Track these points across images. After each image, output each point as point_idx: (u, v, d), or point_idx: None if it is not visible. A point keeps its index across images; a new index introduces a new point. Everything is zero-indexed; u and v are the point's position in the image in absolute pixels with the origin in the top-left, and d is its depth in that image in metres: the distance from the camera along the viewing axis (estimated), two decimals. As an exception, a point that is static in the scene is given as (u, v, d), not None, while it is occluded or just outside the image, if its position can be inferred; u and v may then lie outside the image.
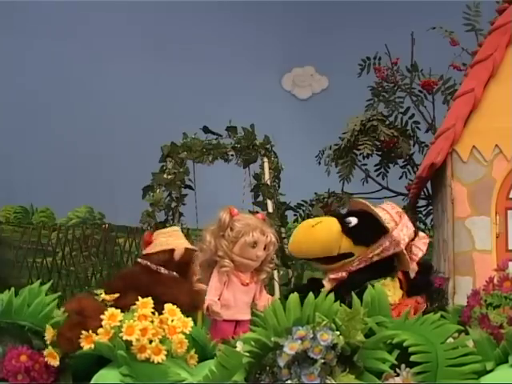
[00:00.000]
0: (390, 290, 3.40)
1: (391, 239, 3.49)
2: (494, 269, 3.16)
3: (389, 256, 3.53)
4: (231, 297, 3.59)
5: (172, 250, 3.60)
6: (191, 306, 3.42)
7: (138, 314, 2.98)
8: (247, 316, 3.57)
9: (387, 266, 3.55)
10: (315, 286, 3.46)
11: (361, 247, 3.52)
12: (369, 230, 3.52)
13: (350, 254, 3.51)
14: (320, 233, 3.52)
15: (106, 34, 7.93)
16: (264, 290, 3.70)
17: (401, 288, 3.55)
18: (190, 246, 3.65)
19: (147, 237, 3.70)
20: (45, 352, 3.10)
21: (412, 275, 3.56)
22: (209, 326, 3.57)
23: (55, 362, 3.08)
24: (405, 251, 3.53)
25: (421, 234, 3.69)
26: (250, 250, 3.56)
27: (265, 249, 3.59)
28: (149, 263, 3.58)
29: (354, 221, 3.55)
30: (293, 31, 8.00)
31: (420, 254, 3.62)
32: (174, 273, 3.60)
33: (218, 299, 3.58)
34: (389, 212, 3.59)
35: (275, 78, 8.32)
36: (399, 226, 3.53)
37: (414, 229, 3.61)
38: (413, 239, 3.62)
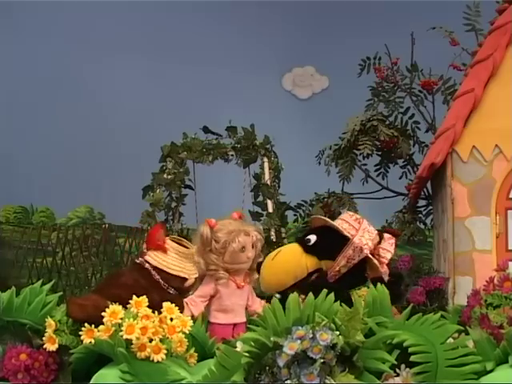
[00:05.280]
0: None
1: (353, 246, 3.52)
2: (494, 269, 3.17)
3: (358, 265, 3.53)
4: (229, 301, 3.59)
5: (185, 279, 3.51)
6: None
7: (140, 315, 2.99)
8: (243, 318, 3.59)
9: (359, 277, 3.58)
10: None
11: (326, 261, 3.56)
12: (330, 242, 3.56)
13: (319, 270, 3.56)
14: (283, 262, 3.60)
15: (107, 34, 7.92)
16: (254, 293, 3.70)
17: None
18: (197, 275, 3.59)
19: (160, 241, 3.51)
20: (44, 336, 3.10)
21: (385, 278, 3.52)
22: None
23: (54, 347, 3.08)
24: (370, 256, 3.54)
25: (386, 235, 3.66)
26: (240, 255, 3.56)
27: (252, 247, 3.60)
28: (160, 280, 3.46)
29: (312, 238, 3.61)
30: (293, 31, 7.99)
31: (389, 256, 3.61)
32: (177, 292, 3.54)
33: (206, 301, 3.59)
34: (347, 221, 3.61)
35: (275, 78, 8.31)
36: (359, 232, 3.55)
37: (377, 232, 3.61)
38: (379, 242, 3.62)
